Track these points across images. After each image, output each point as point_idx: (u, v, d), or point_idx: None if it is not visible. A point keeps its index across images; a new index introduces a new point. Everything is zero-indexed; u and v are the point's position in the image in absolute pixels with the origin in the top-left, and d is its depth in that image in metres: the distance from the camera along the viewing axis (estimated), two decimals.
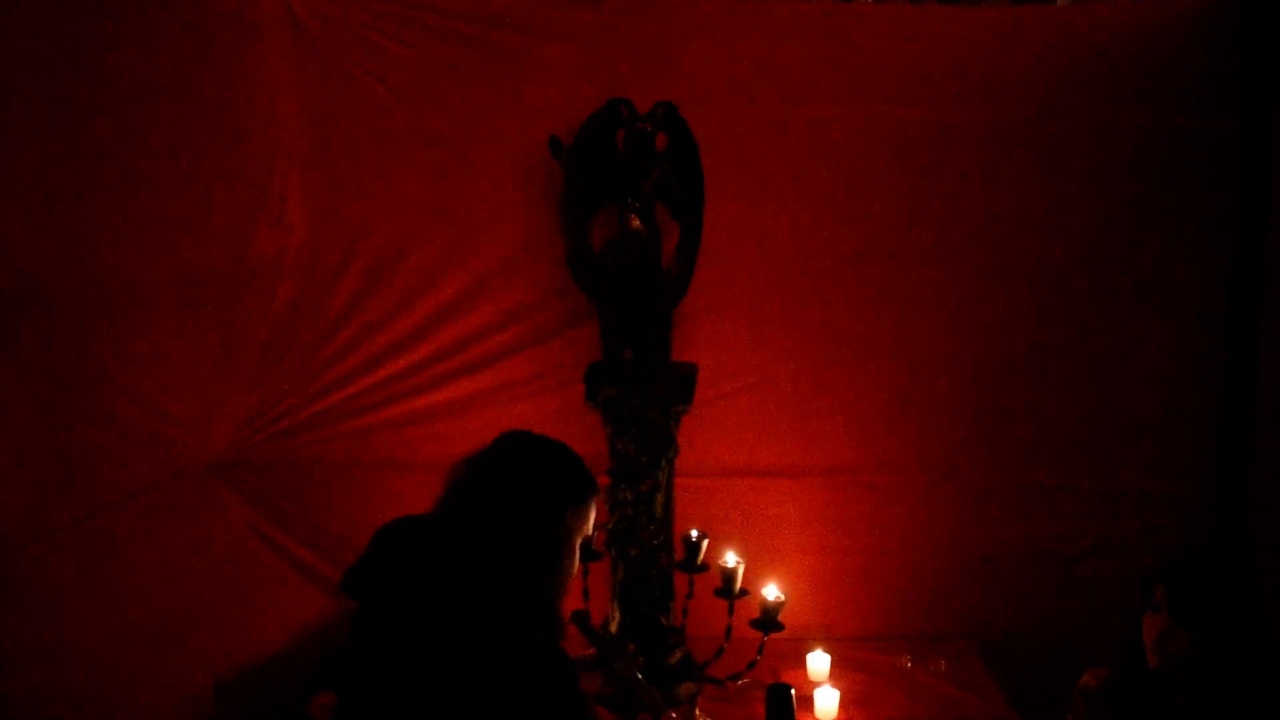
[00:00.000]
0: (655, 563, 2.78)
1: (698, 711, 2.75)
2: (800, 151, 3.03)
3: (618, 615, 2.82)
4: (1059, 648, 3.05)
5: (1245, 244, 3.04)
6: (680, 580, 2.84)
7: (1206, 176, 3.05)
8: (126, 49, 2.42)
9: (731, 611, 2.64)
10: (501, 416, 2.95)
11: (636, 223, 2.77)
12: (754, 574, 2.78)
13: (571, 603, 2.75)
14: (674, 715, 2.59)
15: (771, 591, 2.59)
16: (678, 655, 2.82)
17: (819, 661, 2.95)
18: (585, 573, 2.72)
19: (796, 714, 2.75)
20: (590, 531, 2.08)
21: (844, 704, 2.80)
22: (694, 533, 2.74)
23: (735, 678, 2.74)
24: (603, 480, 2.80)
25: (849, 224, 3.06)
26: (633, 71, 2.96)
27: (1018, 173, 3.07)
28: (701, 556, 2.73)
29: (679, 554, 2.82)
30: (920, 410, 3.14)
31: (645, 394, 2.73)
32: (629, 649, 2.42)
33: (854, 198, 3.06)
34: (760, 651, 2.61)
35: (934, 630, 3.19)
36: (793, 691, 2.45)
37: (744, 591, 2.63)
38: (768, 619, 2.59)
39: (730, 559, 2.64)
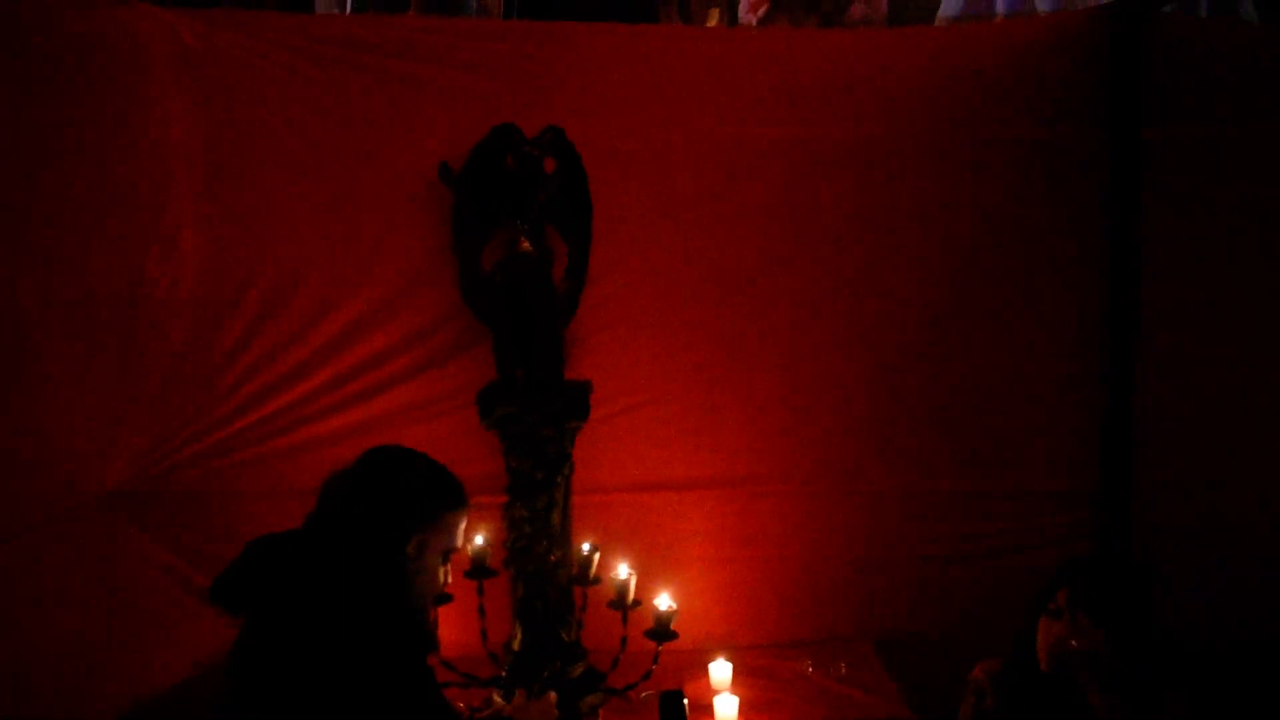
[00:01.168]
0: (554, 579, 2.82)
1: None
2: (688, 171, 3.11)
3: (519, 633, 2.85)
4: (956, 646, 3.09)
5: (1119, 249, 3.16)
6: (579, 595, 2.88)
7: (1081, 186, 3.18)
8: (8, 78, 2.42)
9: (625, 622, 2.69)
10: (400, 439, 2.94)
11: (526, 244, 2.83)
12: (655, 586, 2.83)
13: (468, 621, 2.81)
14: None
15: (664, 601, 2.64)
16: (580, 669, 2.86)
17: (721, 670, 3.00)
18: (480, 590, 2.75)
19: None
20: (456, 546, 2.11)
21: (744, 710, 2.84)
22: (585, 547, 2.79)
23: (632, 687, 2.77)
24: (501, 499, 2.88)
25: (738, 240, 3.14)
26: (523, 97, 3.01)
27: (901, 188, 3.17)
28: (594, 570, 2.78)
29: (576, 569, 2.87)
30: (814, 420, 3.22)
31: (538, 412, 2.78)
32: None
33: (742, 215, 3.14)
34: (655, 661, 2.65)
35: (834, 634, 3.26)
36: (685, 698, 2.49)
37: (637, 603, 2.68)
38: (661, 629, 2.64)
39: (623, 571, 2.69)
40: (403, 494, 2.00)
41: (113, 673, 2.82)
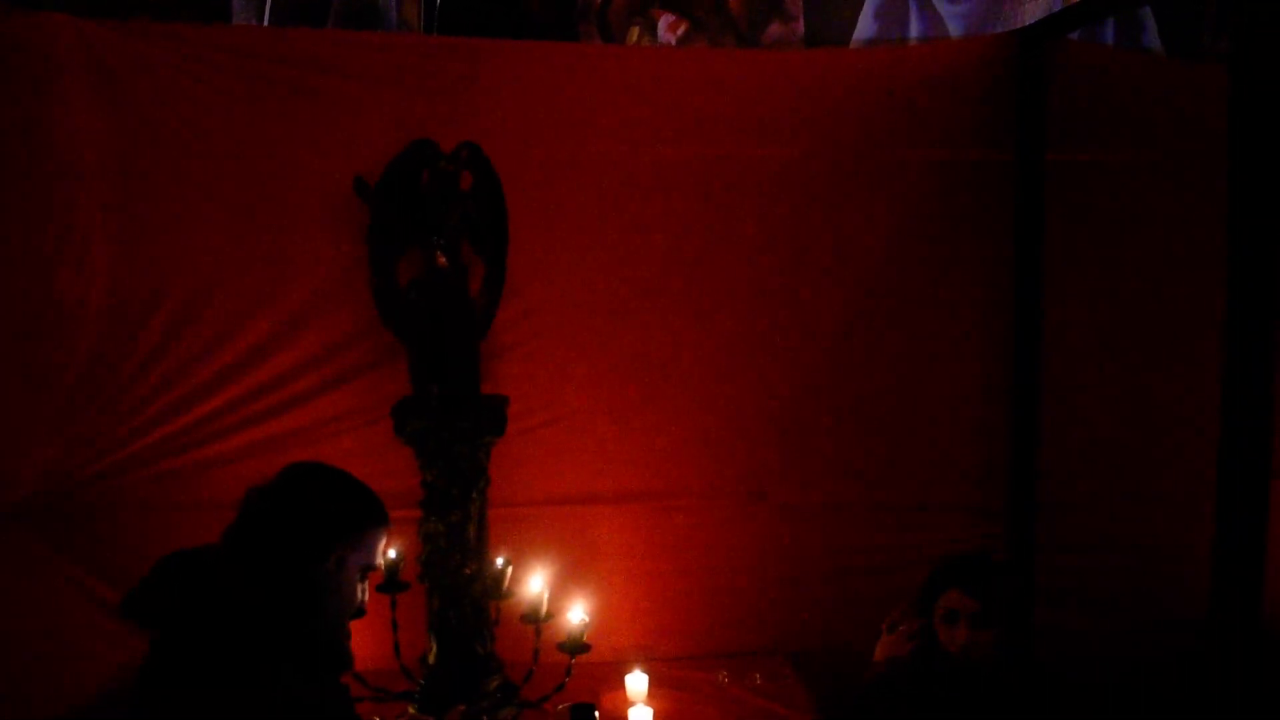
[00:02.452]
0: (468, 592, 2.82)
1: None
2: (606, 188, 3.14)
3: (434, 646, 2.85)
4: (867, 654, 3.18)
5: (1023, 268, 3.25)
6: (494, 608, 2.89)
7: (988, 207, 3.26)
8: None
9: (538, 635, 2.70)
10: (316, 454, 2.94)
11: (442, 260, 2.84)
12: (572, 599, 2.84)
13: (381, 634, 2.81)
14: None
15: (576, 615, 2.66)
16: (495, 681, 2.87)
17: (637, 682, 3.02)
18: (393, 604, 2.74)
19: None
20: (376, 563, 2.10)
21: None
22: (499, 561, 2.80)
23: (547, 699, 2.78)
24: (417, 514, 2.88)
25: (655, 256, 3.19)
26: (440, 112, 3.02)
27: (815, 206, 3.24)
28: (507, 584, 2.79)
29: None
30: (729, 434, 3.27)
31: (452, 427, 2.79)
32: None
33: (659, 231, 3.18)
34: (568, 674, 2.67)
35: (751, 646, 3.30)
36: (596, 711, 2.51)
37: (550, 616, 2.69)
38: (574, 642, 2.65)
39: (535, 585, 2.70)
40: (324, 510, 1.98)
41: (17, 689, 2.78)
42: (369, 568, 2.07)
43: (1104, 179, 3.24)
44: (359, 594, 2.07)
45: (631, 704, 2.92)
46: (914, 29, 3.69)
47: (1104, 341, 3.30)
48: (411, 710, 2.81)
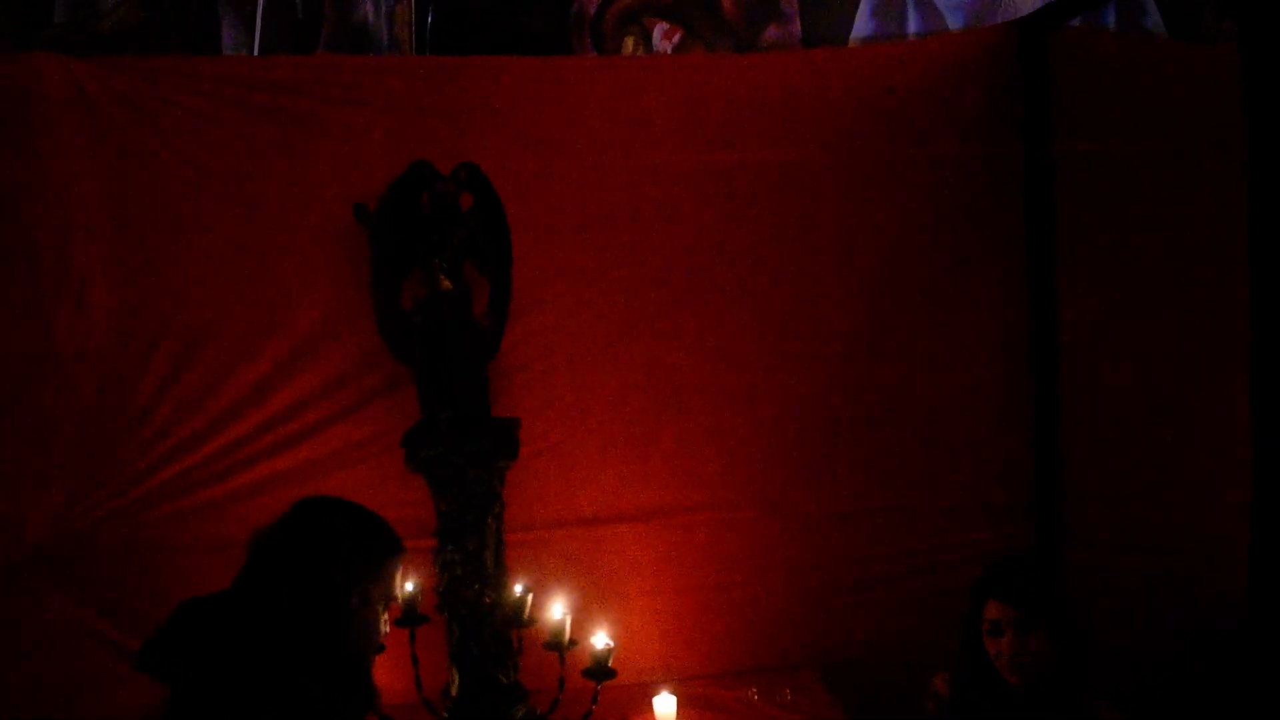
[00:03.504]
0: (489, 621, 2.76)
1: None
2: (609, 201, 3.10)
3: (456, 677, 2.79)
4: (901, 666, 3.10)
5: (1037, 262, 3.19)
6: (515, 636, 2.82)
7: (999, 201, 3.21)
8: None
9: (563, 661, 2.64)
10: (326, 485, 2.91)
11: (445, 283, 2.80)
12: (594, 622, 2.77)
13: (400, 668, 2.74)
14: None
15: (600, 640, 2.60)
16: (520, 711, 2.80)
17: (665, 704, 2.95)
18: (412, 638, 2.68)
19: None
20: (396, 594, 2.10)
21: None
22: (519, 588, 2.73)
23: None
24: (431, 543, 2.82)
25: (662, 268, 3.14)
26: (436, 133, 3.00)
27: (823, 209, 3.19)
28: (528, 611, 2.73)
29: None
30: (747, 446, 3.20)
31: (464, 452, 2.74)
32: None
33: (665, 242, 3.13)
34: (595, 700, 2.60)
35: (779, 661, 3.21)
36: None
37: (573, 643, 2.63)
38: (599, 667, 2.59)
39: (557, 611, 2.64)
40: (342, 545, 1.94)
41: None
42: (391, 599, 2.06)
43: (1114, 167, 3.18)
44: (382, 627, 2.04)
45: None
46: (912, 25, 3.64)
47: (1122, 333, 3.22)
48: None
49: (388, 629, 2.08)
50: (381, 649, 2.52)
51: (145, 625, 2.87)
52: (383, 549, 2.02)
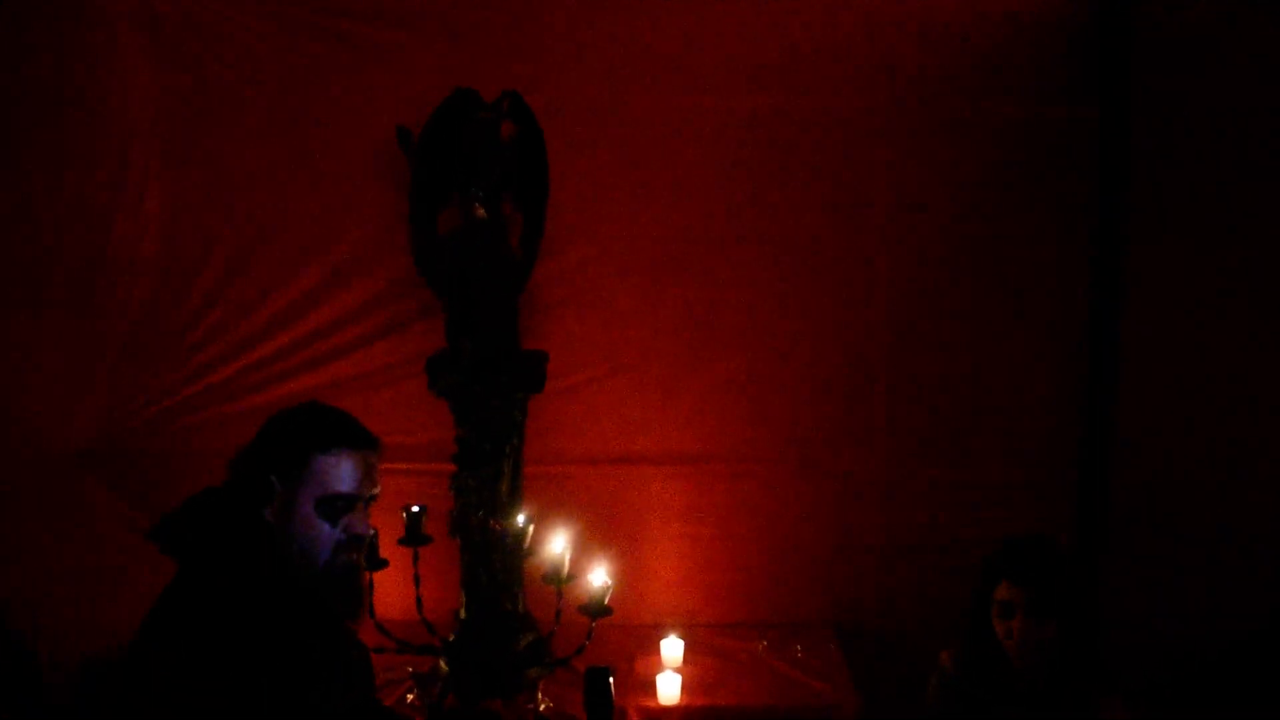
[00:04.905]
0: (499, 548, 2.80)
1: (540, 694, 2.77)
2: (655, 141, 3.07)
3: (465, 601, 2.85)
4: (921, 635, 3.05)
5: (1105, 234, 3.04)
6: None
7: (1068, 165, 3.07)
8: None
9: (560, 596, 2.66)
10: (360, 404, 2.93)
11: (481, 212, 2.80)
12: (612, 560, 2.78)
13: (404, 589, 2.79)
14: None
15: (598, 578, 2.61)
16: (526, 639, 2.84)
17: (672, 647, 2.98)
18: (415, 557, 2.73)
19: (642, 698, 2.81)
20: (338, 489, 1.83)
21: (689, 688, 2.82)
22: (520, 518, 2.76)
23: (569, 659, 2.73)
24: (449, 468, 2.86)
25: (706, 213, 3.09)
26: (487, 62, 2.99)
27: (878, 163, 3.10)
28: (528, 542, 2.75)
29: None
30: (779, 398, 3.17)
31: (485, 381, 2.76)
32: None
33: (711, 186, 3.09)
34: (589, 637, 2.61)
35: (795, 617, 3.21)
36: (611, 676, 2.45)
37: (571, 577, 2.64)
38: (595, 605, 2.60)
39: (558, 545, 2.65)
40: (266, 444, 1.87)
41: (81, 619, 2.87)
42: (332, 497, 1.83)
43: (1197, 140, 2.97)
44: (333, 531, 1.84)
45: (664, 669, 2.87)
46: None
47: (1191, 314, 3.04)
48: (442, 664, 2.81)
49: (358, 530, 1.87)
50: (381, 564, 2.60)
51: None
52: (306, 442, 1.84)
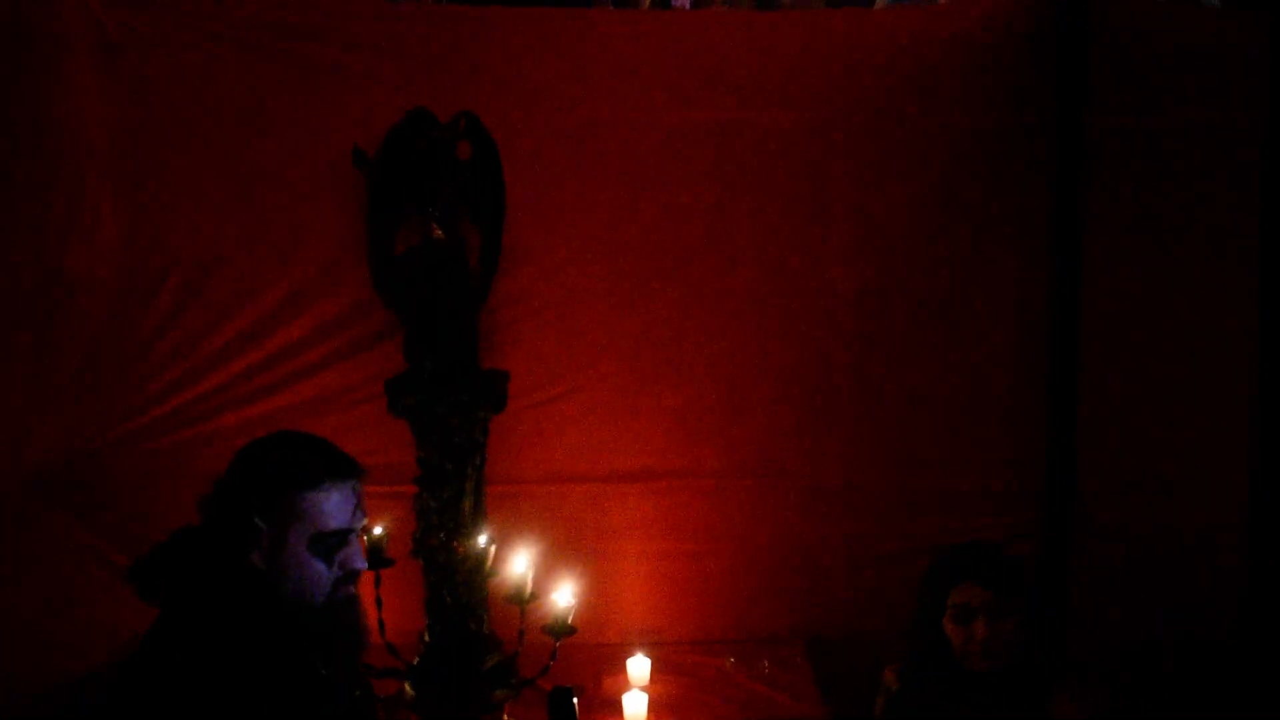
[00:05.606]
0: (461, 570, 2.78)
1: (505, 715, 2.75)
2: (613, 157, 3.07)
3: (429, 623, 2.82)
4: (890, 647, 3.04)
5: (1061, 239, 3.06)
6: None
7: (1022, 174, 3.09)
8: None
9: (523, 615, 2.64)
10: (319, 427, 2.90)
11: (438, 232, 2.79)
12: (567, 581, 2.77)
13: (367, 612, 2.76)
14: None
15: (564, 597, 2.59)
16: (492, 660, 2.82)
17: (638, 666, 2.96)
18: (377, 580, 2.71)
19: (608, 719, 2.79)
20: (328, 526, 1.81)
21: (656, 708, 2.80)
22: (482, 539, 2.74)
23: (533, 681, 2.71)
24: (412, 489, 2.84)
25: (667, 227, 3.09)
26: (446, 83, 2.99)
27: (837, 174, 3.10)
28: (490, 563, 2.73)
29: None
30: (745, 413, 3.16)
31: (445, 401, 2.74)
32: None
33: (671, 201, 3.09)
34: (553, 657, 2.60)
35: (765, 632, 3.20)
36: (575, 698, 2.44)
37: (534, 597, 2.63)
38: (559, 624, 2.58)
39: (520, 565, 2.64)
40: (246, 485, 1.80)
41: (37, 651, 2.84)
42: (326, 534, 1.81)
43: (1150, 142, 3.03)
44: (328, 569, 1.82)
45: (630, 688, 2.85)
46: None
47: (1146, 318, 3.08)
48: (408, 688, 2.78)
49: (351, 563, 1.86)
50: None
51: (141, 547, 3.02)
52: (290, 482, 1.79)
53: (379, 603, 2.69)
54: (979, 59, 3.04)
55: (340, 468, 1.86)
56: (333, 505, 1.83)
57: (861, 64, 3.06)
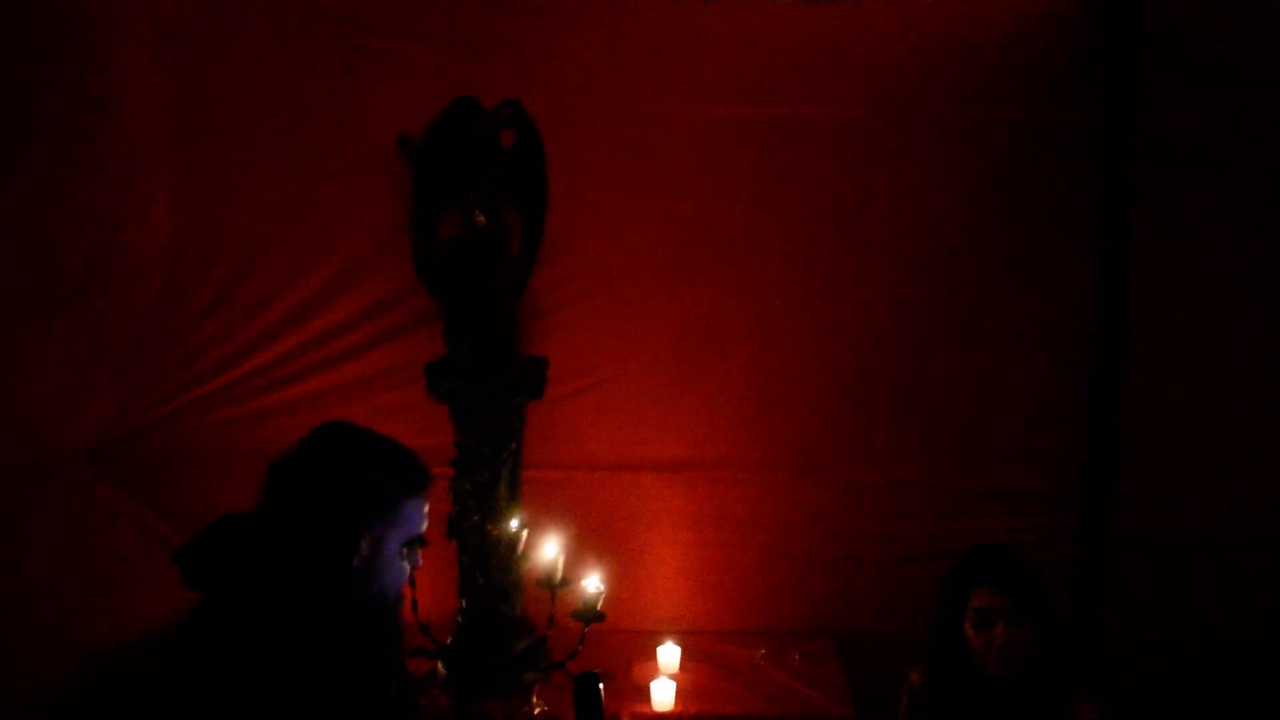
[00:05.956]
0: (495, 553, 2.82)
1: (535, 697, 2.78)
2: (657, 149, 3.07)
3: (463, 604, 2.87)
4: (921, 646, 3.03)
5: (1110, 239, 3.01)
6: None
7: (1072, 170, 3.05)
8: None
9: (554, 600, 2.66)
10: (362, 407, 3.06)
11: (480, 219, 2.83)
12: (600, 567, 2.79)
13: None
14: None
15: (592, 583, 2.62)
16: (523, 643, 2.85)
17: (668, 653, 2.98)
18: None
19: (636, 704, 2.81)
20: (418, 530, 1.95)
21: (684, 696, 2.83)
22: (514, 523, 2.77)
23: (562, 664, 2.74)
24: (449, 472, 2.88)
25: (710, 219, 3.09)
26: (492, 70, 3.01)
27: (878, 168, 3.08)
28: (521, 547, 2.76)
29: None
30: (782, 407, 3.16)
31: (483, 386, 2.78)
32: None
33: (714, 193, 3.09)
34: (581, 642, 2.62)
35: (796, 626, 3.20)
36: (600, 681, 2.46)
37: (565, 582, 2.65)
38: (587, 610, 2.61)
39: (550, 550, 2.66)
40: (353, 488, 1.83)
41: (82, 617, 2.91)
42: (414, 541, 1.93)
43: (1201, 141, 2.96)
44: (407, 569, 1.95)
45: (659, 675, 2.87)
46: None
47: (1195, 321, 3.03)
48: (440, 667, 2.83)
49: (418, 562, 1.98)
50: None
51: (189, 520, 3.08)
52: (396, 490, 1.88)
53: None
54: (1030, 52, 3.00)
55: (428, 474, 1.97)
56: (424, 512, 1.97)
57: (906, 56, 3.04)
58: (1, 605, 2.65)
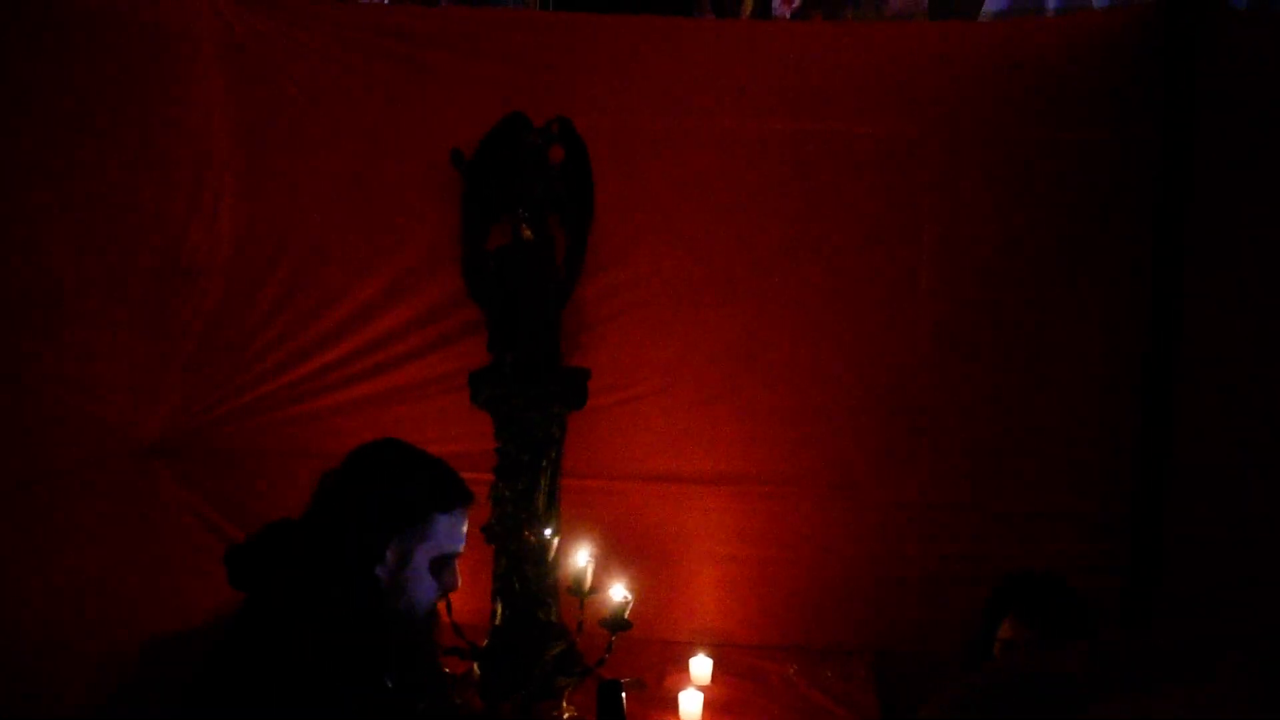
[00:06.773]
0: (531, 559, 2.88)
1: (565, 702, 2.84)
2: (703, 164, 3.10)
3: (498, 609, 2.94)
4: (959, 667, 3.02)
5: (1163, 259, 2.96)
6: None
7: (1126, 191, 2.99)
8: (59, 57, 2.64)
9: (582, 607, 2.72)
10: (416, 411, 3.17)
11: (527, 232, 2.90)
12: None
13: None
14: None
15: (619, 592, 2.66)
16: (557, 649, 2.91)
17: (701, 665, 3.01)
18: None
19: (664, 714, 2.85)
20: (452, 548, 1.98)
21: (712, 708, 2.85)
22: (547, 532, 2.83)
23: (589, 672, 2.79)
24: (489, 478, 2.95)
25: (751, 236, 3.11)
26: (546, 88, 3.07)
27: (928, 189, 3.06)
28: (552, 554, 2.82)
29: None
30: (822, 422, 3.15)
31: (524, 395, 2.85)
32: None
33: (756, 209, 3.10)
34: (609, 650, 2.67)
35: (832, 642, 3.19)
36: (622, 690, 2.51)
37: (593, 590, 2.71)
38: (615, 619, 2.66)
39: (581, 558, 2.72)
40: (382, 497, 1.89)
41: (141, 608, 3.06)
42: (446, 556, 1.96)
43: (1257, 162, 2.89)
44: (437, 586, 1.97)
45: (689, 686, 2.91)
46: (1051, 2, 3.39)
47: (1252, 339, 2.97)
48: (475, 669, 2.90)
49: (456, 580, 2.01)
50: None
51: (248, 517, 3.23)
52: (425, 504, 1.92)
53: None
54: (1083, 74, 2.96)
55: (466, 493, 2.01)
56: (460, 529, 2.00)
57: (960, 77, 3.02)
58: (71, 588, 2.81)
